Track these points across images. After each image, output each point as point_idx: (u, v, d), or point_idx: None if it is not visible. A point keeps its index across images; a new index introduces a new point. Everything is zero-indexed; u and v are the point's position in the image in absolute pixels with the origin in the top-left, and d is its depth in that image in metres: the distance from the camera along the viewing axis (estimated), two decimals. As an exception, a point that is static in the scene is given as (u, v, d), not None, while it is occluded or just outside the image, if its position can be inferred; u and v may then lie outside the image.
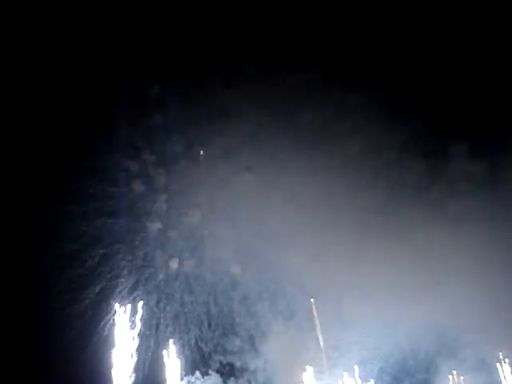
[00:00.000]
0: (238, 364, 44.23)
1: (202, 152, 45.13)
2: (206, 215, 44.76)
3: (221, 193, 44.45)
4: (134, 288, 42.73)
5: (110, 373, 40.18)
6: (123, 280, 42.46)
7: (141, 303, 42.26)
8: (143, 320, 42.25)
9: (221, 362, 44.10)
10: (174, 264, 43.87)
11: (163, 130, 44.68)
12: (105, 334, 40.96)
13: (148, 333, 42.41)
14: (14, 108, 41.92)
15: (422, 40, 46.42)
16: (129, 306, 41.95)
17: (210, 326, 44.08)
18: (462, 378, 45.02)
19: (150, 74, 44.59)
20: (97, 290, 41.53)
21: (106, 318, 41.27)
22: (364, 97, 45.70)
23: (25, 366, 39.16)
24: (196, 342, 43.70)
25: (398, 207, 44.16)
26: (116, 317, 41.43)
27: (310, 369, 44.28)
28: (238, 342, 44.38)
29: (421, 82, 46.06)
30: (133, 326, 41.86)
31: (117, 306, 41.52)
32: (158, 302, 43.35)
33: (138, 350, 41.68)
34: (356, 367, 44.62)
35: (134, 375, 41.00)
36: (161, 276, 43.80)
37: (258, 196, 43.49)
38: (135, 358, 41.35)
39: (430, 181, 46.17)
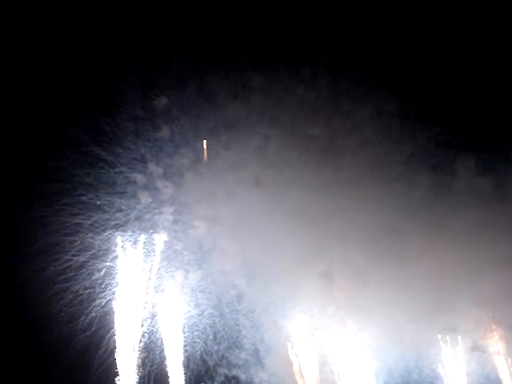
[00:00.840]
0: (242, 377, 44.30)
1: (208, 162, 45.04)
2: (212, 228, 44.54)
3: (228, 206, 44.22)
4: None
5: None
6: (130, 293, 42.46)
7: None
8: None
9: (226, 376, 44.15)
10: (179, 276, 43.79)
11: (170, 142, 44.57)
12: (111, 347, 41.00)
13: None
14: (16, 113, 41.71)
15: (430, 52, 46.19)
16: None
17: (215, 339, 44.06)
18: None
19: (157, 86, 44.45)
20: (103, 302, 41.62)
21: (112, 331, 41.33)
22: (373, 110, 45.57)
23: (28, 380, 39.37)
24: (201, 355, 43.73)
25: (406, 222, 44.13)
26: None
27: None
28: (243, 355, 44.41)
29: (430, 94, 45.88)
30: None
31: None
32: (163, 315, 43.34)
33: (143, 362, 41.85)
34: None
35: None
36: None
37: (264, 209, 43.45)
38: (140, 371, 41.52)
39: (437, 195, 45.69)
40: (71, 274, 41.29)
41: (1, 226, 39.88)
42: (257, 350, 44.53)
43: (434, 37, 46.40)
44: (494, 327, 44.86)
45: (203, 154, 44.93)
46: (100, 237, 42.26)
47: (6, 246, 39.99)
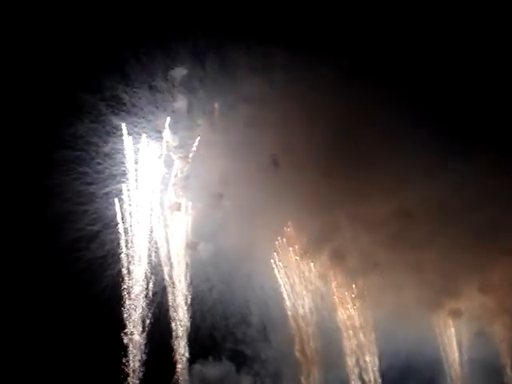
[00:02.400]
0: (248, 352, 44.70)
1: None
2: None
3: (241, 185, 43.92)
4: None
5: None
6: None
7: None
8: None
9: (232, 350, 44.53)
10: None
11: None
12: (125, 315, 41.05)
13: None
14: (33, 80, 40.82)
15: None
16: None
17: (224, 314, 44.27)
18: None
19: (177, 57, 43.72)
20: (115, 272, 41.49)
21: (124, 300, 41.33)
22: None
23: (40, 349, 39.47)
24: (210, 330, 43.99)
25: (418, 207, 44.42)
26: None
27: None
28: (250, 332, 44.74)
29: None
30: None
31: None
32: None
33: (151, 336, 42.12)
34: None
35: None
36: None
37: (278, 189, 43.37)
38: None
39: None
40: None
41: (16, 194, 39.39)
42: (264, 327, 44.89)
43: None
44: (499, 313, 45.46)
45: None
46: (114, 207, 41.89)
47: (21, 215, 39.49)
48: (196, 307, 43.52)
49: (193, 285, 43.52)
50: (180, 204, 43.30)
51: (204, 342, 43.55)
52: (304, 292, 45.55)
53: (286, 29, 43.76)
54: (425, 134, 44.28)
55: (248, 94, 43.97)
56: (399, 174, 43.77)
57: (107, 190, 41.82)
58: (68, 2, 41.16)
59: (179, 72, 43.49)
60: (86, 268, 40.55)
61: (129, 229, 42.04)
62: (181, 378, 42.21)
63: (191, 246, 43.41)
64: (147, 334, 41.31)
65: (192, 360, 42.60)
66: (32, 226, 39.64)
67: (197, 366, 43.11)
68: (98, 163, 41.63)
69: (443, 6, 45.94)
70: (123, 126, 42.06)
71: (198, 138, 43.62)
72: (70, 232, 40.41)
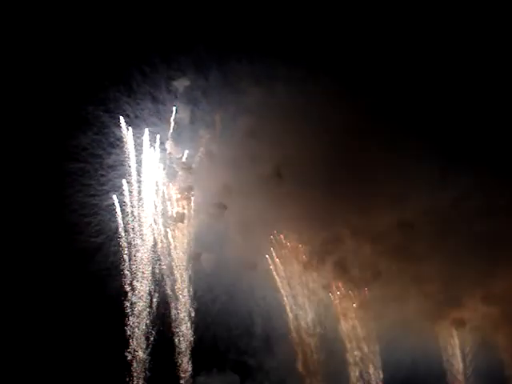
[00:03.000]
0: (252, 363, 44.50)
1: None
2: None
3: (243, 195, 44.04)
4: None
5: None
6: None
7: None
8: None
9: (236, 361, 44.34)
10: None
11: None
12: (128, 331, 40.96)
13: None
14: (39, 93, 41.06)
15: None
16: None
17: (228, 325, 44.15)
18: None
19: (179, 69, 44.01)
20: (118, 285, 41.36)
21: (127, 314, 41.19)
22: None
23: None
24: (213, 340, 43.81)
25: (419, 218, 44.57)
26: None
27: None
28: (253, 343, 44.59)
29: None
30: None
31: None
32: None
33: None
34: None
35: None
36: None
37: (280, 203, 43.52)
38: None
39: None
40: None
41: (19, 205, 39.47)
42: (267, 338, 44.77)
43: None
44: (502, 323, 45.40)
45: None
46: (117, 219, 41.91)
47: (24, 226, 39.54)
48: (199, 318, 43.44)
49: (196, 296, 43.55)
50: (183, 215, 43.31)
51: (208, 354, 43.47)
52: (307, 303, 45.64)
53: (287, 41, 44.15)
54: (426, 146, 44.45)
55: (250, 105, 44.19)
56: (401, 187, 43.85)
57: (110, 201, 41.92)
58: (72, 15, 41.45)
59: (182, 83, 43.72)
60: (89, 280, 40.58)
61: (132, 242, 42.22)
62: (185, 392, 42.25)
63: (194, 257, 43.36)
64: (150, 350, 41.43)
65: (196, 372, 42.56)
66: (35, 237, 39.61)
67: (201, 378, 42.97)
68: (102, 175, 41.75)
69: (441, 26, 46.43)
70: (126, 136, 42.33)
71: (201, 149, 43.87)
72: (74, 243, 40.46)
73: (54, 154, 40.03)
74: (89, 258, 40.76)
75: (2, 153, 40.00)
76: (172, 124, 43.40)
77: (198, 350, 43.00)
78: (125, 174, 42.38)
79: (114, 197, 41.75)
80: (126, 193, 42.21)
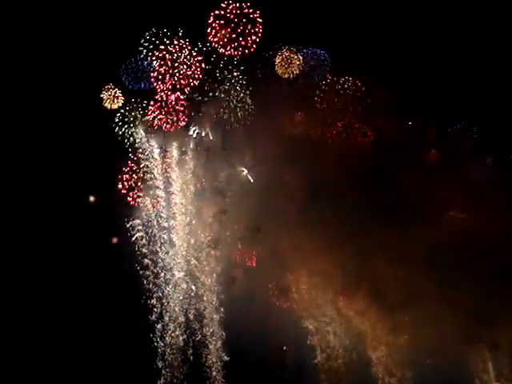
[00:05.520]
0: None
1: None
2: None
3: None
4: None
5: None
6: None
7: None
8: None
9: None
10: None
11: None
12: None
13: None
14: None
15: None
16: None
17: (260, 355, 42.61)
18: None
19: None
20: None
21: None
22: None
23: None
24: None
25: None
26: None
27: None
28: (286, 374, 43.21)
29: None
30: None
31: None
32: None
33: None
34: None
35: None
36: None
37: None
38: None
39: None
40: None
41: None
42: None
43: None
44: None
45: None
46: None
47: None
48: (231, 348, 42.54)
49: (226, 323, 42.67)
50: (218, 240, 42.70)
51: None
52: (339, 330, 44.94)
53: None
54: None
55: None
56: (434, 207, 44.52)
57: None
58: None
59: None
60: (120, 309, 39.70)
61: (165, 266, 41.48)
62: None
63: (229, 282, 42.55)
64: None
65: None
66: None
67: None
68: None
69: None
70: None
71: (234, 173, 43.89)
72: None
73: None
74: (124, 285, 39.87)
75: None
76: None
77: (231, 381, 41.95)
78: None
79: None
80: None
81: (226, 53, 42.70)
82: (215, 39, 42.41)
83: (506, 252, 43.86)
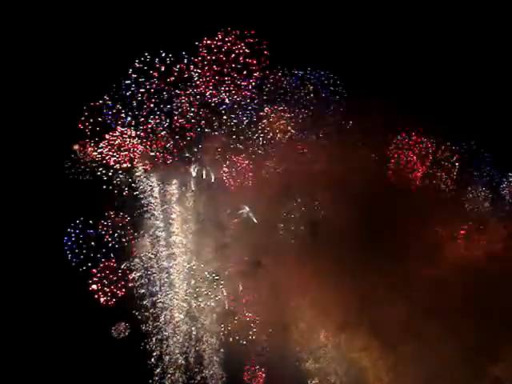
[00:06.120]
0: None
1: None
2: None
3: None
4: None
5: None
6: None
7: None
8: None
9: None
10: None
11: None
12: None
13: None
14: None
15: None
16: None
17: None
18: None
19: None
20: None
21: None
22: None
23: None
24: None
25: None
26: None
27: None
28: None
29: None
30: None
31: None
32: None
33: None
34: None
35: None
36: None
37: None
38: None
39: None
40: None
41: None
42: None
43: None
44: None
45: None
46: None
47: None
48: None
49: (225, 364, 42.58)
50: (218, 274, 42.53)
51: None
52: (340, 366, 44.54)
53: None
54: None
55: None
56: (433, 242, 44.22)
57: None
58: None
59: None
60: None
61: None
62: None
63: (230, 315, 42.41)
64: None
65: None
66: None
67: None
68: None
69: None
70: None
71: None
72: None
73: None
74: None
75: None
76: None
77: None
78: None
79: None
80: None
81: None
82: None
83: (508, 286, 43.63)
